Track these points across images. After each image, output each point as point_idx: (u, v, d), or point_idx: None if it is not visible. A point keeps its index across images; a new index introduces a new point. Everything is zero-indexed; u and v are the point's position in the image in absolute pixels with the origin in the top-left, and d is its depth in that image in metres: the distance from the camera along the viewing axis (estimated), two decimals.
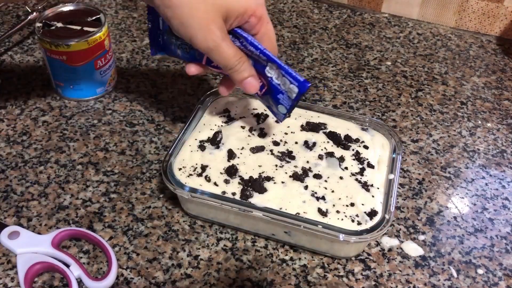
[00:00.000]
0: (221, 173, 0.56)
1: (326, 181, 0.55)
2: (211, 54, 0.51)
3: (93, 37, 0.67)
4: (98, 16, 0.70)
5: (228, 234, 0.56)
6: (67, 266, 0.51)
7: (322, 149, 0.59)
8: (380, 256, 0.55)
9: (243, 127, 0.61)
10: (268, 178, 0.55)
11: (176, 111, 0.71)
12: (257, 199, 0.53)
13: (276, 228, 0.53)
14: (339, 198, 0.54)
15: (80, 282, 0.51)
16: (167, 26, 0.56)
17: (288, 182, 0.55)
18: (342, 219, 0.52)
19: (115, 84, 0.75)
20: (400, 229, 0.58)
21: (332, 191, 0.54)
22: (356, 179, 0.56)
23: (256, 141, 0.59)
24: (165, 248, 0.55)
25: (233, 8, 0.50)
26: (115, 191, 0.60)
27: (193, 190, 0.53)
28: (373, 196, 0.54)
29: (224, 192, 0.54)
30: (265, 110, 0.63)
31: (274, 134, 0.60)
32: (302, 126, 0.62)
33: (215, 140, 0.59)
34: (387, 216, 0.51)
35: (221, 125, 0.62)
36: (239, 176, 0.55)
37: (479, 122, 0.73)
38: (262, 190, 0.54)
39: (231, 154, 0.57)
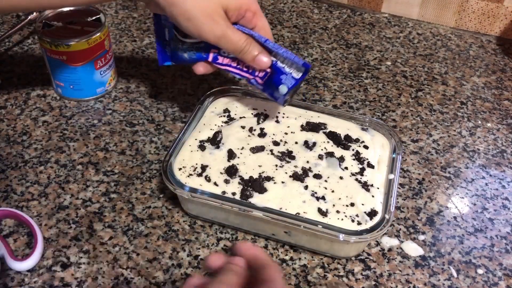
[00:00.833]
0: (221, 173, 0.56)
1: (326, 181, 0.55)
2: (219, 42, 0.56)
3: (93, 37, 0.67)
4: (98, 16, 0.71)
5: (228, 234, 0.56)
6: None
7: (322, 149, 0.59)
8: (380, 256, 0.55)
9: (243, 127, 0.61)
10: (268, 178, 0.55)
11: (176, 111, 0.71)
12: (257, 199, 0.53)
13: (276, 228, 0.53)
14: (339, 198, 0.54)
15: (3, 261, 0.51)
16: (173, 34, 0.59)
17: (288, 182, 0.55)
18: (342, 219, 0.52)
19: (115, 84, 0.75)
20: (400, 229, 0.58)
21: (332, 191, 0.54)
22: (356, 179, 0.56)
23: (256, 141, 0.59)
24: (165, 248, 0.55)
25: (230, 3, 0.55)
26: (115, 191, 0.60)
27: (193, 190, 0.53)
28: (373, 196, 0.54)
29: (224, 192, 0.54)
30: (265, 110, 0.63)
31: (274, 134, 0.60)
32: (302, 126, 0.62)
33: (215, 140, 0.59)
34: (387, 216, 0.51)
35: (221, 125, 0.61)
36: (239, 176, 0.55)
37: (479, 122, 0.73)
38: (262, 190, 0.54)
39: (231, 154, 0.57)
